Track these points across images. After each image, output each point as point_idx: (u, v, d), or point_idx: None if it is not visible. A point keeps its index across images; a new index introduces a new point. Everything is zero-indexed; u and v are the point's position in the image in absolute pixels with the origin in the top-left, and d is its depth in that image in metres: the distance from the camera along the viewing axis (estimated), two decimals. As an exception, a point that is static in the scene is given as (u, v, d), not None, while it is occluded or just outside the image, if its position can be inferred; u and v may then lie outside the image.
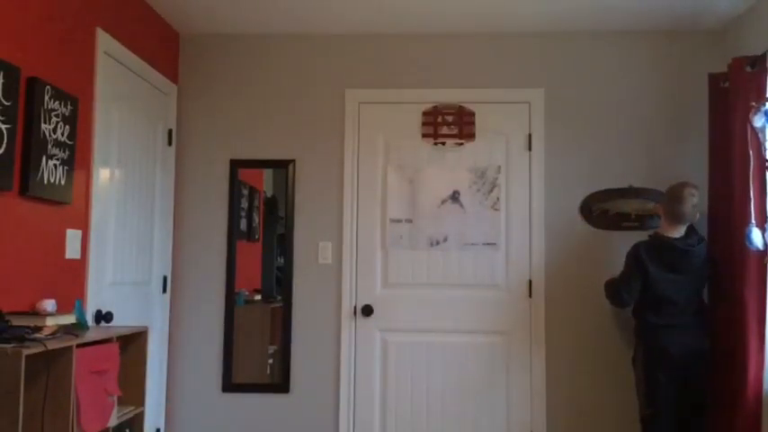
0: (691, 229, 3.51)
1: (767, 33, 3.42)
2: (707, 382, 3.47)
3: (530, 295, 3.96)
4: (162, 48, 3.94)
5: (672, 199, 3.46)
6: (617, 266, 3.66)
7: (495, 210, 3.99)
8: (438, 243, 4.00)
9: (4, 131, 2.47)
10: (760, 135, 3.27)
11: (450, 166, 4.03)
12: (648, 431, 3.46)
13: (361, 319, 3.99)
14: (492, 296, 3.97)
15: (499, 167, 4.02)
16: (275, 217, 4.09)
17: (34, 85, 2.65)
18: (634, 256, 3.47)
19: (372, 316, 3.99)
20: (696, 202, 3.44)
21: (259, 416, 3.97)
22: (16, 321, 2.35)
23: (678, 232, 3.48)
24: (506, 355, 3.94)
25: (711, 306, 3.59)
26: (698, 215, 3.49)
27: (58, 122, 2.82)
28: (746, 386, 3.21)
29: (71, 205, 2.98)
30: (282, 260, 4.05)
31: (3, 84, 2.46)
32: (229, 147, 4.11)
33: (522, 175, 4.01)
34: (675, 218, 3.46)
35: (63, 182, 2.87)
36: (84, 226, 3.10)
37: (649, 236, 3.55)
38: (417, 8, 3.74)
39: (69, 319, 2.60)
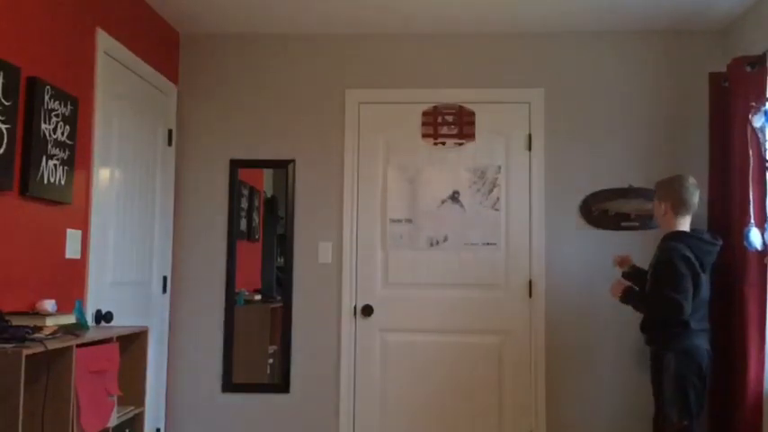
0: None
1: (767, 33, 3.42)
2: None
3: (530, 295, 3.95)
4: (162, 48, 3.94)
5: (680, 190, 3.20)
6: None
7: (495, 210, 3.99)
8: (438, 243, 4.00)
9: (4, 131, 2.47)
10: (760, 135, 3.27)
11: (450, 166, 4.03)
12: None
13: (361, 319, 3.99)
14: (492, 296, 3.97)
15: (499, 167, 4.02)
16: (275, 217, 4.09)
17: (34, 85, 2.65)
18: (684, 258, 3.07)
19: (372, 316, 3.99)
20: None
21: (259, 416, 3.97)
22: (16, 321, 2.35)
23: (689, 227, 3.24)
24: (506, 355, 3.94)
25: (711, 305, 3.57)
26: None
27: (58, 122, 2.82)
28: (746, 386, 3.21)
29: (71, 205, 2.98)
30: (282, 260, 4.05)
31: (3, 84, 2.46)
32: (229, 147, 4.11)
33: (522, 175, 4.01)
34: (686, 210, 3.21)
35: (63, 182, 2.87)
36: (84, 226, 3.10)
37: (674, 234, 3.19)
38: (417, 8, 3.74)
39: (69, 319, 2.61)
